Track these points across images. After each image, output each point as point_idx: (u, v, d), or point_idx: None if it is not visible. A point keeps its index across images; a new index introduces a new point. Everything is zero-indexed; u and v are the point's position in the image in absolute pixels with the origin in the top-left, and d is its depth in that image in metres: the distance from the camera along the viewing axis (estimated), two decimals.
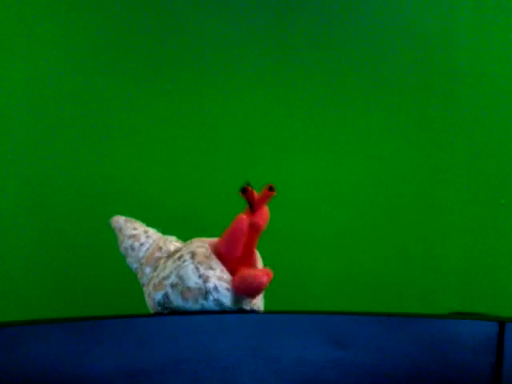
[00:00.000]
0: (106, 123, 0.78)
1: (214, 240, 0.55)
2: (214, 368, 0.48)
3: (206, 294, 0.50)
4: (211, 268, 0.51)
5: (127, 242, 0.56)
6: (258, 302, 0.54)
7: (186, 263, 0.51)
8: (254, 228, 0.52)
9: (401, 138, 0.80)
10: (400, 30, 0.80)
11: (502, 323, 0.50)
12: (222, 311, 0.52)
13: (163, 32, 0.78)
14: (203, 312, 0.52)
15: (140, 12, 0.78)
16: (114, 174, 0.77)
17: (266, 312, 0.53)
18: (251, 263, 0.54)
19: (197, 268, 0.51)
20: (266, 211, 0.52)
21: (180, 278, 0.51)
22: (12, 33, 0.76)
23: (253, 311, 0.53)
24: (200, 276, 0.51)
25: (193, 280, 0.50)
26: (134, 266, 0.56)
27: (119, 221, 0.58)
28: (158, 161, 0.78)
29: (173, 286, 0.51)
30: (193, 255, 0.52)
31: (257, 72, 0.79)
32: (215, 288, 0.50)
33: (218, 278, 0.51)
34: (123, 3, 0.78)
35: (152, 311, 0.53)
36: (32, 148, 0.76)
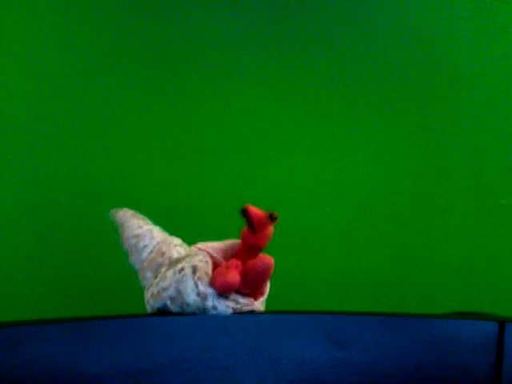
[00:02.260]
0: (106, 123, 0.78)
1: (218, 245, 0.55)
2: (213, 368, 0.48)
3: (204, 311, 0.50)
4: (211, 285, 0.51)
5: (131, 241, 0.56)
6: (259, 306, 0.54)
7: (185, 278, 0.51)
8: (254, 249, 0.52)
9: (401, 137, 0.80)
10: (401, 31, 0.80)
11: (501, 323, 0.50)
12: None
13: (163, 32, 0.78)
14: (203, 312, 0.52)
15: (140, 12, 0.78)
16: (114, 173, 0.77)
17: (266, 312, 0.53)
18: None
19: (196, 285, 0.50)
20: (269, 232, 0.52)
21: (179, 292, 0.50)
22: (12, 33, 0.76)
23: (253, 311, 0.53)
24: (198, 294, 0.50)
25: (191, 297, 0.50)
26: (136, 266, 0.56)
27: (126, 215, 0.57)
28: (158, 160, 0.78)
29: (172, 298, 0.51)
30: (194, 270, 0.51)
31: (257, 72, 0.79)
32: (214, 307, 0.50)
33: (218, 297, 0.51)
34: (123, 3, 0.78)
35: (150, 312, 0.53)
36: (32, 148, 0.76)
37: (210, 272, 0.52)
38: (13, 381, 0.45)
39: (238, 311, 0.51)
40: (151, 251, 0.55)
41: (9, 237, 0.76)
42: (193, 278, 0.51)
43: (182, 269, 0.51)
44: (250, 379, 0.49)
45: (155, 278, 0.53)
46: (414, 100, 0.80)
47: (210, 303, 0.50)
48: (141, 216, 0.58)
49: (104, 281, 0.76)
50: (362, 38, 0.80)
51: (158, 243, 0.56)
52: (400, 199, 0.80)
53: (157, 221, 0.77)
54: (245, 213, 0.51)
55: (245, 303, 0.52)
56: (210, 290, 0.50)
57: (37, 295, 0.76)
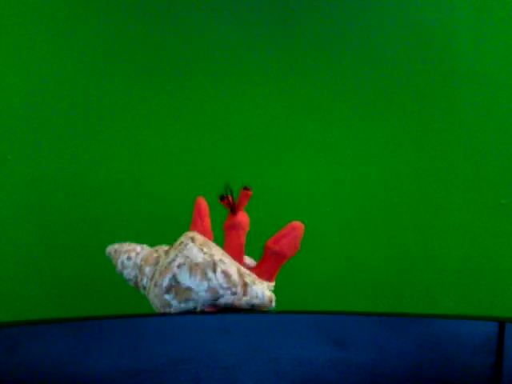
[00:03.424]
0: (106, 123, 0.78)
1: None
2: (213, 368, 0.48)
3: (213, 265, 0.52)
4: (213, 249, 0.54)
5: (123, 257, 0.57)
6: (262, 286, 0.54)
7: (188, 246, 0.53)
8: (238, 227, 0.56)
9: (401, 137, 0.80)
10: (401, 31, 0.80)
11: (502, 323, 0.50)
12: (222, 311, 0.52)
13: (164, 32, 0.78)
14: (203, 312, 0.52)
15: (140, 11, 0.78)
16: (114, 173, 0.78)
17: (266, 312, 0.53)
18: (240, 261, 0.56)
19: (200, 248, 0.53)
20: (245, 213, 0.57)
21: (186, 257, 0.52)
22: (12, 33, 0.76)
23: (253, 310, 0.53)
24: (205, 253, 0.53)
25: (199, 256, 0.52)
26: (133, 274, 0.56)
27: (114, 246, 0.59)
28: (159, 161, 0.78)
29: (180, 265, 0.52)
30: (193, 239, 0.54)
31: (258, 72, 0.79)
32: (221, 260, 0.52)
33: (222, 254, 0.53)
34: (123, 3, 0.78)
35: (158, 305, 0.53)
36: (32, 148, 0.76)
37: (207, 240, 0.55)
38: (13, 381, 0.45)
39: (242, 272, 0.53)
40: (145, 254, 0.57)
41: (9, 237, 0.76)
42: (195, 245, 0.53)
43: (182, 242, 0.54)
44: (249, 379, 0.49)
45: (156, 265, 0.54)
46: (414, 100, 0.80)
47: (217, 257, 0.52)
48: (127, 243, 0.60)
49: (104, 281, 0.76)
50: (362, 38, 0.80)
51: (149, 249, 0.58)
52: (400, 199, 0.80)
53: (157, 222, 0.77)
54: (222, 197, 0.56)
55: (247, 272, 0.54)
56: (214, 250, 0.53)
57: (37, 295, 0.76)
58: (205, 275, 0.52)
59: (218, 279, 0.52)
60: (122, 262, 0.57)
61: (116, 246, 0.59)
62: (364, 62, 0.80)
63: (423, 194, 0.80)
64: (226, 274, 0.52)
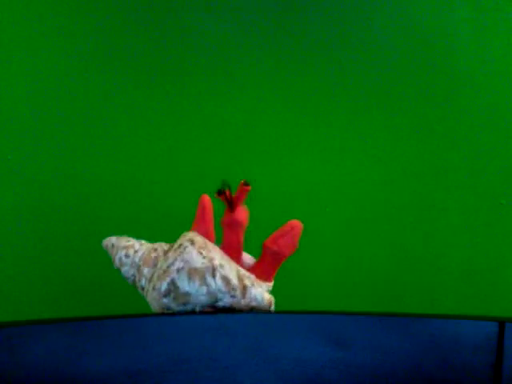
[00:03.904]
0: (106, 123, 0.78)
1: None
2: (213, 368, 0.48)
3: (213, 270, 0.51)
4: (212, 252, 0.53)
5: (121, 253, 0.56)
6: (260, 289, 0.54)
7: (188, 249, 0.52)
8: (237, 225, 0.55)
9: (401, 137, 0.80)
10: (401, 31, 0.80)
11: (502, 323, 0.50)
12: (222, 311, 0.52)
13: (163, 32, 0.78)
14: (203, 312, 0.52)
15: (140, 11, 0.78)
16: (114, 173, 0.78)
17: (266, 312, 0.53)
18: (238, 259, 0.56)
19: (200, 252, 0.52)
20: (244, 208, 0.57)
21: (185, 261, 0.52)
22: (12, 33, 0.76)
23: (252, 311, 0.53)
24: (204, 257, 0.52)
25: (198, 261, 0.52)
26: (131, 272, 0.56)
27: (111, 239, 0.58)
28: (158, 161, 0.78)
29: (179, 270, 0.52)
30: (192, 242, 0.53)
31: (258, 72, 0.79)
32: (221, 265, 0.52)
33: (221, 258, 0.53)
34: (123, 3, 0.78)
35: (156, 308, 0.53)
36: (32, 148, 0.76)
37: (207, 242, 0.54)
38: (13, 381, 0.45)
39: (241, 274, 0.53)
40: (143, 253, 0.56)
41: (9, 237, 0.76)
42: (194, 248, 0.53)
43: (181, 244, 0.53)
44: (249, 379, 0.49)
45: (155, 267, 0.54)
46: (415, 100, 0.80)
47: (217, 262, 0.52)
48: (126, 236, 0.59)
49: (104, 281, 0.76)
50: (362, 39, 0.80)
51: (147, 247, 0.57)
52: (400, 199, 0.80)
53: (157, 222, 0.77)
54: (220, 192, 0.55)
55: (247, 274, 0.54)
56: (213, 253, 0.53)
57: (37, 295, 0.76)
58: (204, 280, 0.51)
59: (217, 284, 0.51)
60: (120, 259, 0.56)
61: (113, 239, 0.58)
62: (364, 61, 0.80)
63: (423, 194, 0.80)
64: (225, 279, 0.52)
